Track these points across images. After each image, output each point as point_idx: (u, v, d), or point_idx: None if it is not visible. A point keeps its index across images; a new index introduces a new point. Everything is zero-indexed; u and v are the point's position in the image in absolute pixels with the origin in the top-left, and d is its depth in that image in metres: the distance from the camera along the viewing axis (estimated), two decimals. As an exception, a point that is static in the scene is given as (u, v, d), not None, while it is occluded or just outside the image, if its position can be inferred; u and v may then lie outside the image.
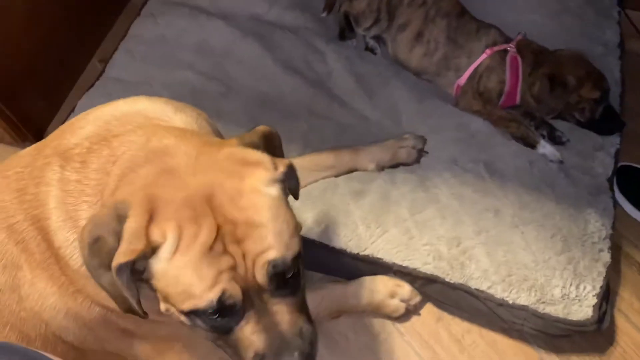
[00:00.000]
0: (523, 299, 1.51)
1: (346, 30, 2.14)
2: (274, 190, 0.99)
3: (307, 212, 1.67)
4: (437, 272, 1.56)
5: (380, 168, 1.77)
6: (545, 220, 1.63)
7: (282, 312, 1.01)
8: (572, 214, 1.65)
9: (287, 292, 1.01)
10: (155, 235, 0.93)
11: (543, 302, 1.50)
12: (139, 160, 1.01)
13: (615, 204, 1.74)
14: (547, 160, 1.78)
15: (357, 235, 1.64)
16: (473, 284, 1.54)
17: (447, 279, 1.55)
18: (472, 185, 1.70)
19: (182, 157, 1.00)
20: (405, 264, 1.59)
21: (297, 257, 0.99)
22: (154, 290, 0.99)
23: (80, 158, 1.07)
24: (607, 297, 1.55)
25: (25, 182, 1.11)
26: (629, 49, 2.15)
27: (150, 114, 1.16)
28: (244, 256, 0.94)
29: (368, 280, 1.61)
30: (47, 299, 1.12)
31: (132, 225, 0.92)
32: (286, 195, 1.04)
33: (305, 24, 2.17)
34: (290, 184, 1.06)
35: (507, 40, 1.92)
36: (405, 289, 1.60)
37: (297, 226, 1.02)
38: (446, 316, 1.65)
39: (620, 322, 1.63)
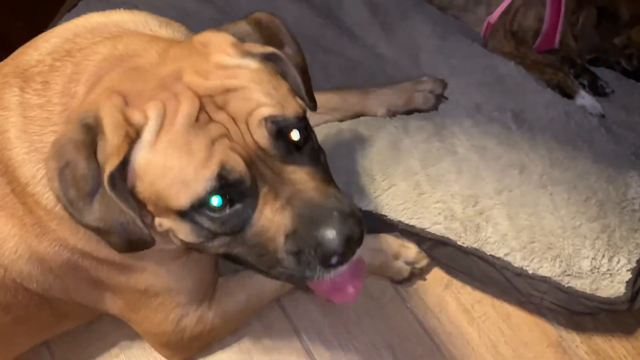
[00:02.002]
0: (545, 269, 1.32)
1: (363, -46, 1.88)
2: (252, 63, 0.88)
3: (305, 159, 1.48)
4: (448, 234, 1.37)
5: (392, 114, 1.56)
6: (578, 181, 1.42)
7: (303, 180, 0.85)
8: (611, 175, 1.44)
9: (304, 161, 0.87)
10: (137, 117, 0.82)
11: (568, 275, 1.31)
12: (104, 70, 0.90)
13: (662, 166, 1.51)
14: (586, 113, 1.56)
15: (359, 188, 1.45)
16: (488, 250, 1.34)
17: (459, 242, 1.36)
18: (497, 136, 1.48)
19: (152, 54, 0.90)
20: (412, 222, 1.40)
21: (302, 119, 0.87)
22: (142, 207, 0.87)
23: (42, 77, 0.93)
24: (643, 272, 1.35)
25: None
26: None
27: (129, 25, 1.02)
28: (234, 120, 0.83)
29: (370, 238, 1.43)
30: (7, 242, 0.99)
31: (109, 120, 0.80)
32: (277, 73, 0.92)
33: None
34: (287, 77, 0.93)
35: (550, -30, 1.65)
36: (411, 250, 1.43)
37: (294, 95, 0.91)
38: (455, 283, 1.47)
39: (655, 301, 1.44)
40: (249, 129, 0.83)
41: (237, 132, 0.83)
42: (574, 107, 1.56)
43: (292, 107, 0.87)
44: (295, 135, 0.86)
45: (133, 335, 1.32)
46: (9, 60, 1.02)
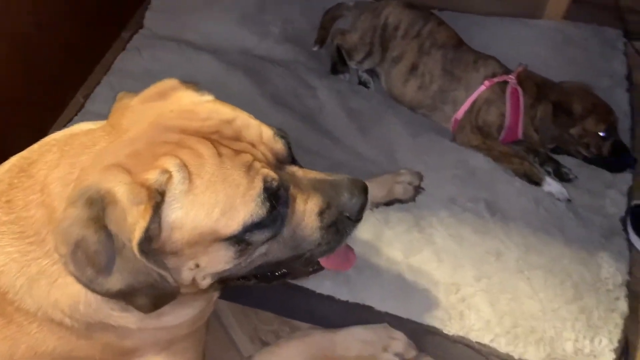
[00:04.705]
0: (531, 353, 1.34)
1: (339, 64, 2.07)
2: (210, 96, 0.98)
3: (292, 255, 1.53)
4: (434, 323, 1.41)
5: (375, 205, 1.64)
6: (553, 265, 1.48)
7: (307, 172, 1.00)
8: (584, 257, 1.51)
9: (295, 161, 1.02)
10: (154, 176, 0.83)
11: (554, 358, 1.34)
12: (65, 165, 0.91)
13: (631, 246, 1.59)
14: (554, 199, 1.65)
15: (346, 280, 1.49)
16: (474, 337, 1.38)
17: (445, 331, 1.39)
18: (472, 225, 1.56)
19: (100, 133, 0.93)
20: (398, 312, 1.43)
21: None
22: (167, 258, 0.89)
23: (5, 197, 0.96)
24: (626, 352, 1.39)
25: None
26: (637, 82, 2.05)
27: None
28: (253, 146, 0.92)
29: (359, 329, 1.45)
30: None
31: (122, 188, 0.82)
32: None
33: (296, 57, 2.09)
34: None
35: (507, 71, 1.83)
36: (400, 342, 1.44)
37: None
38: (446, 373, 1.47)
39: (643, 380, 1.45)
40: (266, 148, 0.94)
41: (259, 153, 0.92)
42: (542, 194, 1.66)
43: None
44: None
45: None
46: None
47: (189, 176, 0.85)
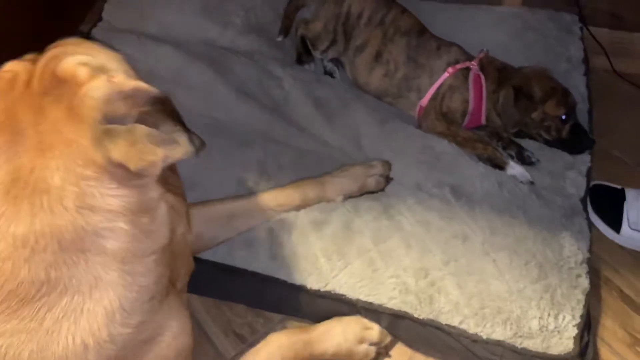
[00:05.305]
0: (498, 333, 1.38)
1: (303, 54, 2.06)
2: None
3: (262, 245, 1.53)
4: (405, 308, 1.43)
5: (347, 199, 1.64)
6: (518, 246, 1.52)
7: None
8: (546, 237, 1.55)
9: None
10: (80, 71, 0.84)
11: (520, 336, 1.38)
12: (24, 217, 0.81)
13: (591, 225, 1.65)
14: (517, 182, 1.70)
15: (317, 269, 1.50)
16: (444, 319, 1.41)
17: (416, 315, 1.42)
18: (438, 211, 1.59)
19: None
20: (370, 299, 1.45)
21: None
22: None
23: None
24: (588, 326, 1.44)
25: None
26: (593, 65, 2.11)
27: None
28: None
29: (333, 326, 1.45)
30: None
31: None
32: None
33: (260, 48, 2.07)
34: None
35: (470, 58, 1.85)
36: (374, 331, 1.45)
37: None
38: (418, 357, 1.50)
39: (604, 353, 1.52)
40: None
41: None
42: (505, 177, 1.69)
43: None
44: None
45: None
46: None
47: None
